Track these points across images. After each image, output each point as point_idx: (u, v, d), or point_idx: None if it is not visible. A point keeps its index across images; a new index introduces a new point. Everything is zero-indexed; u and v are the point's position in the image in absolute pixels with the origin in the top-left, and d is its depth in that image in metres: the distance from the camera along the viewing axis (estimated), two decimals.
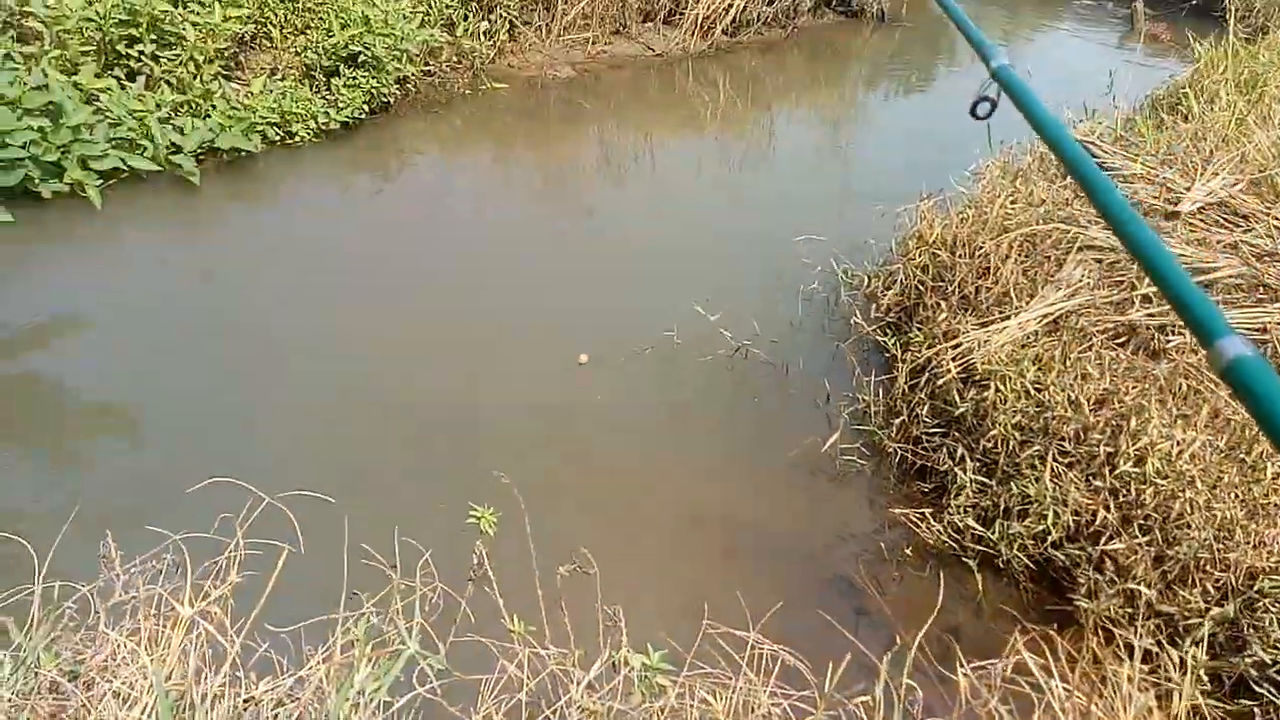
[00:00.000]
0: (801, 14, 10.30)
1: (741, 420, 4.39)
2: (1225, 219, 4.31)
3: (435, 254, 5.61)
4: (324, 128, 6.79)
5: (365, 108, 7.07)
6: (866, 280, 5.18)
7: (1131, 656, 1.99)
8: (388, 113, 7.41)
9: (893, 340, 4.54)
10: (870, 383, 4.39)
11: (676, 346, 4.74)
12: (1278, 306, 3.76)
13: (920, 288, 4.69)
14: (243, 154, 6.35)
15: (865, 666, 2.20)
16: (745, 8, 9.75)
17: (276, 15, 7.46)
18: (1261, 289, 3.87)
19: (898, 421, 4.13)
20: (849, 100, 9.19)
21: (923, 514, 3.70)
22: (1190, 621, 2.99)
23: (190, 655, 1.76)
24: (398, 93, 7.46)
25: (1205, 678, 2.84)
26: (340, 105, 6.88)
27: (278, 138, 6.59)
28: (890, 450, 4.09)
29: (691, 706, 1.84)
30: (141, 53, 6.40)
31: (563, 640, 2.28)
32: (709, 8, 9.52)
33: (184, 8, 6.73)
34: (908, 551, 3.65)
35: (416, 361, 4.61)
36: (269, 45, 7.46)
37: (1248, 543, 3.02)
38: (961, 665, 1.88)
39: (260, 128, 6.47)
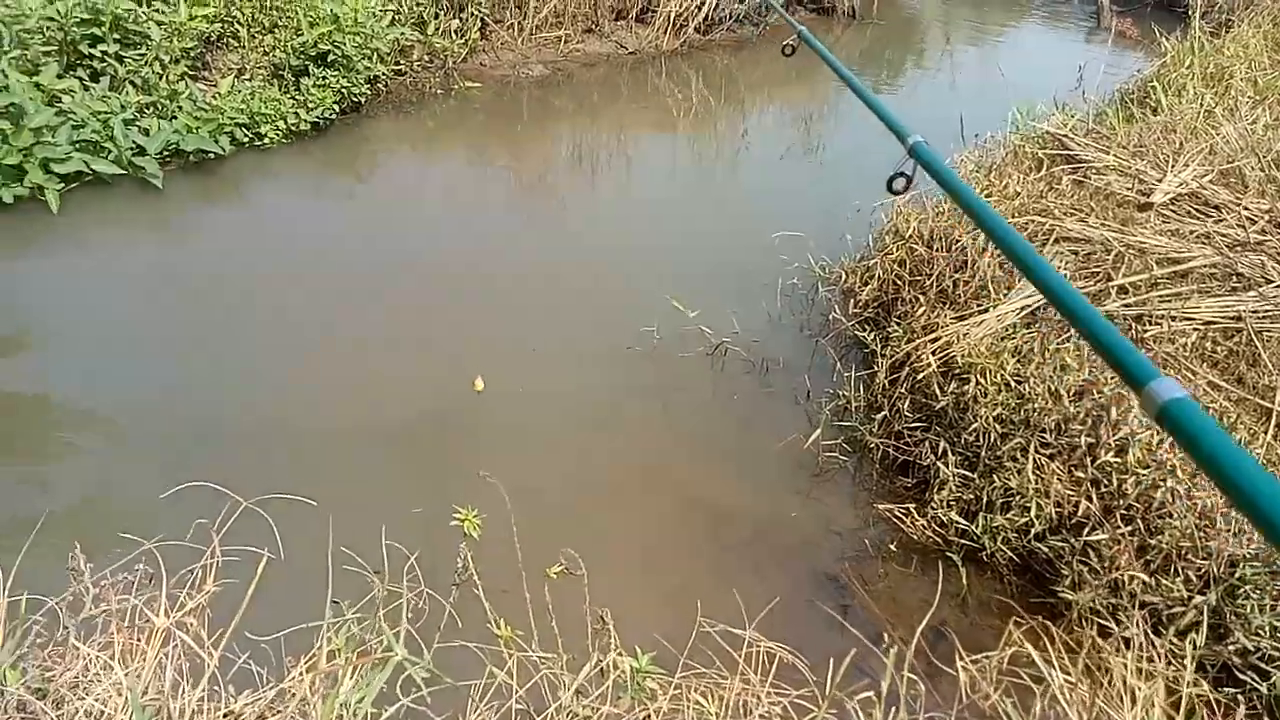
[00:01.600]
0: (773, 12, 10.32)
1: (724, 418, 4.37)
2: (1197, 209, 4.35)
3: (410, 255, 5.52)
4: (294, 129, 6.68)
5: (336, 108, 6.96)
6: (844, 276, 5.18)
7: (1128, 646, 1.99)
8: (359, 113, 7.31)
9: (872, 335, 4.53)
10: (850, 378, 4.39)
11: (656, 344, 4.71)
12: (1251, 295, 3.80)
13: (898, 282, 4.68)
14: (210, 156, 6.23)
15: (853, 663, 2.18)
16: (718, 5, 9.77)
17: (244, 14, 7.34)
18: (1235, 278, 3.91)
19: (879, 417, 4.11)
20: (821, 97, 9.20)
21: (906, 509, 3.70)
22: (1174, 610, 3.01)
23: (167, 668, 1.70)
24: (369, 92, 7.36)
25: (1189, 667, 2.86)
26: (310, 105, 6.76)
27: (246, 139, 6.48)
28: (872, 446, 4.08)
29: (685, 709, 1.81)
30: (105, 53, 6.26)
31: (551, 644, 2.23)
32: (681, 5, 9.53)
33: (148, 6, 6.61)
34: (892, 547, 3.64)
35: (397, 363, 4.53)
36: (236, 45, 7.34)
37: (1228, 530, 3.04)
38: (962, 658, 1.86)
39: (228, 129, 6.35)
